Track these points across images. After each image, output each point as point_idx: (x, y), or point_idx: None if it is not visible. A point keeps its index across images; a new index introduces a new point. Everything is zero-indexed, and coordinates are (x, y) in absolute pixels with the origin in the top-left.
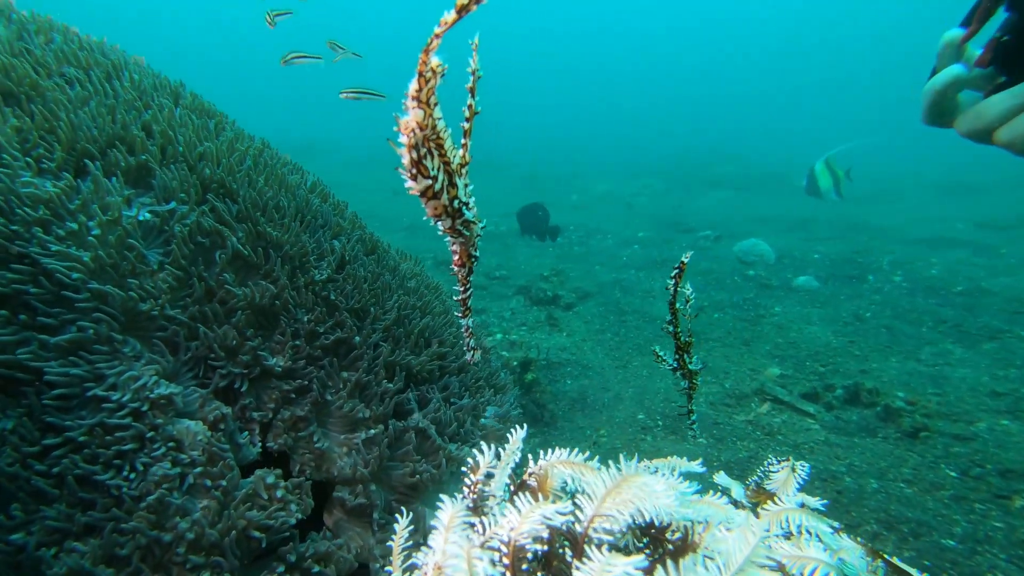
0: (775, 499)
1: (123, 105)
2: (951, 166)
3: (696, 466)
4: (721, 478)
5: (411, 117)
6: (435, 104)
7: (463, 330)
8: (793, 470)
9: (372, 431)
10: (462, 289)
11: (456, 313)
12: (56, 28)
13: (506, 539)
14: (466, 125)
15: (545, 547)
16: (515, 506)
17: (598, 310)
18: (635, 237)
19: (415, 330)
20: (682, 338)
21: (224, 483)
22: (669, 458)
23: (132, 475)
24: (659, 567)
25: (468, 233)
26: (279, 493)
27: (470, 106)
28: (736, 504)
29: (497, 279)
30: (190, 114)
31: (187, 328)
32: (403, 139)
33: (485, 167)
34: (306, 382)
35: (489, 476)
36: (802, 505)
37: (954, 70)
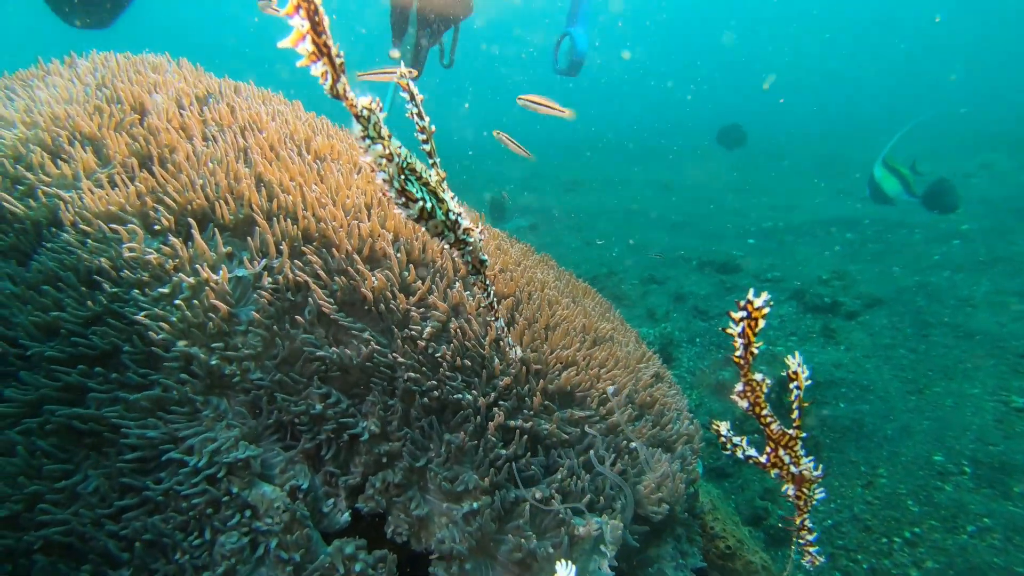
0: None
1: (245, 158)
2: None
3: None
4: None
5: (371, 156)
6: (389, 136)
7: (498, 331)
8: None
9: (475, 503)
10: (484, 295)
11: (489, 318)
12: (217, 88)
13: None
14: (426, 147)
15: None
16: None
17: (890, 321)
18: (955, 230)
19: (543, 388)
20: (775, 426)
21: (298, 556)
22: None
23: (197, 541)
24: None
25: (472, 239)
26: (357, 567)
27: (422, 128)
28: None
29: (768, 281)
30: (311, 161)
31: (269, 393)
32: (380, 176)
33: (762, 156)
34: (398, 445)
35: None
36: None
37: None
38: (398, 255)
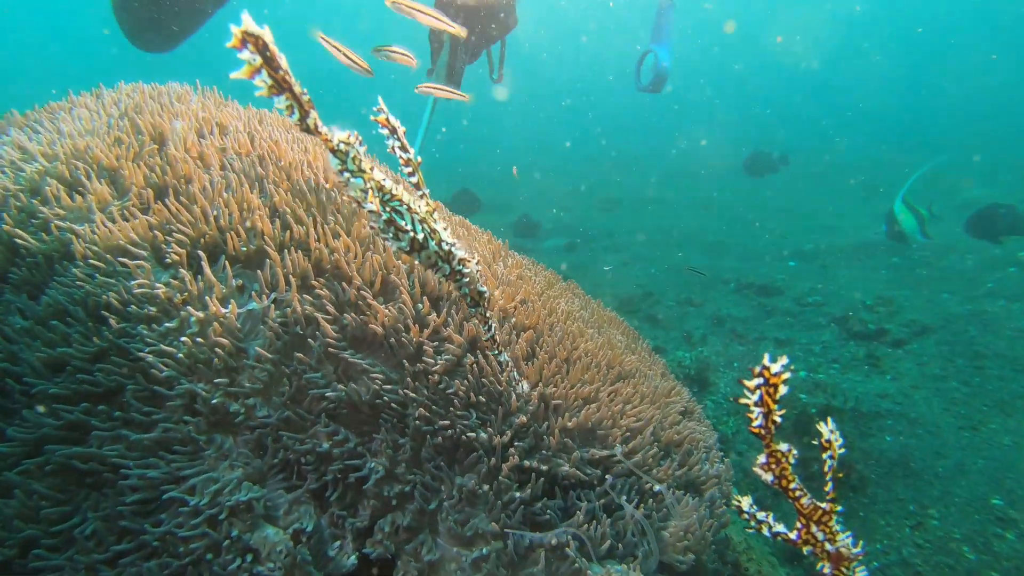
0: None
1: (261, 187)
2: None
3: None
4: None
5: (353, 190)
6: (371, 168)
7: (504, 367)
8: None
9: (485, 549)
10: (485, 328)
11: (492, 352)
12: (239, 117)
13: None
14: (414, 179)
15: None
16: None
17: (940, 350)
18: (1012, 257)
19: (561, 426)
20: (806, 500)
21: None
22: None
23: None
24: None
25: (468, 271)
26: None
27: (406, 161)
28: None
29: (809, 306)
30: (330, 188)
31: (275, 431)
32: (366, 207)
33: (809, 178)
34: (407, 488)
35: None
36: None
37: None
38: (412, 289)
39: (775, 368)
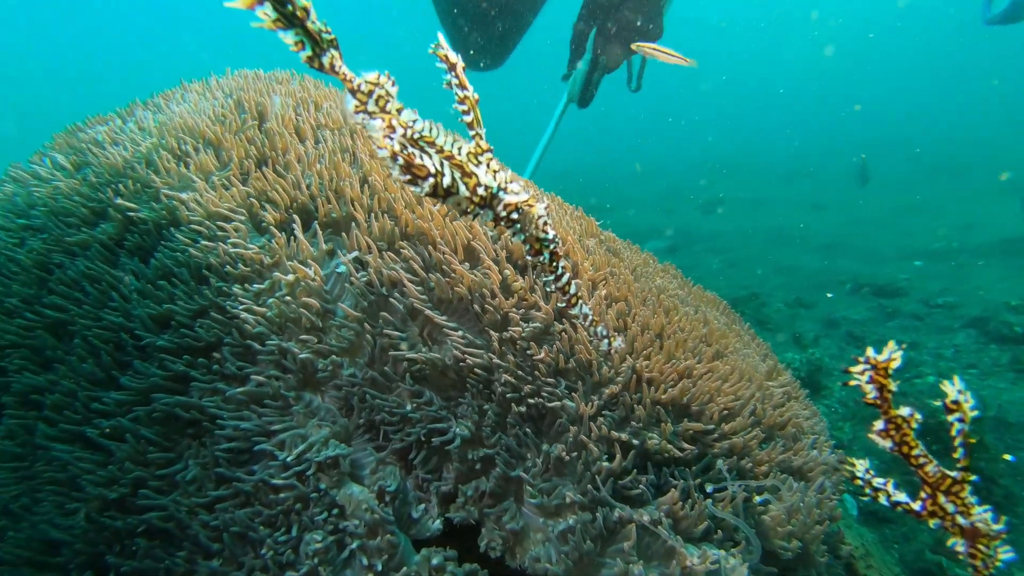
0: None
1: (352, 158)
2: None
3: None
4: None
5: (375, 130)
6: (399, 109)
7: (582, 320)
8: None
9: (571, 520)
10: (554, 278)
11: (560, 304)
12: (334, 97)
13: None
14: (467, 118)
15: None
16: None
17: None
18: None
19: (654, 398)
20: (932, 468)
21: (379, 564)
22: None
23: (283, 537)
24: None
25: (521, 216)
26: None
27: (463, 99)
28: None
29: (939, 307)
30: None
31: (361, 390)
32: (382, 152)
33: (938, 172)
34: (491, 452)
35: None
36: None
37: None
38: (496, 257)
39: (882, 357)
